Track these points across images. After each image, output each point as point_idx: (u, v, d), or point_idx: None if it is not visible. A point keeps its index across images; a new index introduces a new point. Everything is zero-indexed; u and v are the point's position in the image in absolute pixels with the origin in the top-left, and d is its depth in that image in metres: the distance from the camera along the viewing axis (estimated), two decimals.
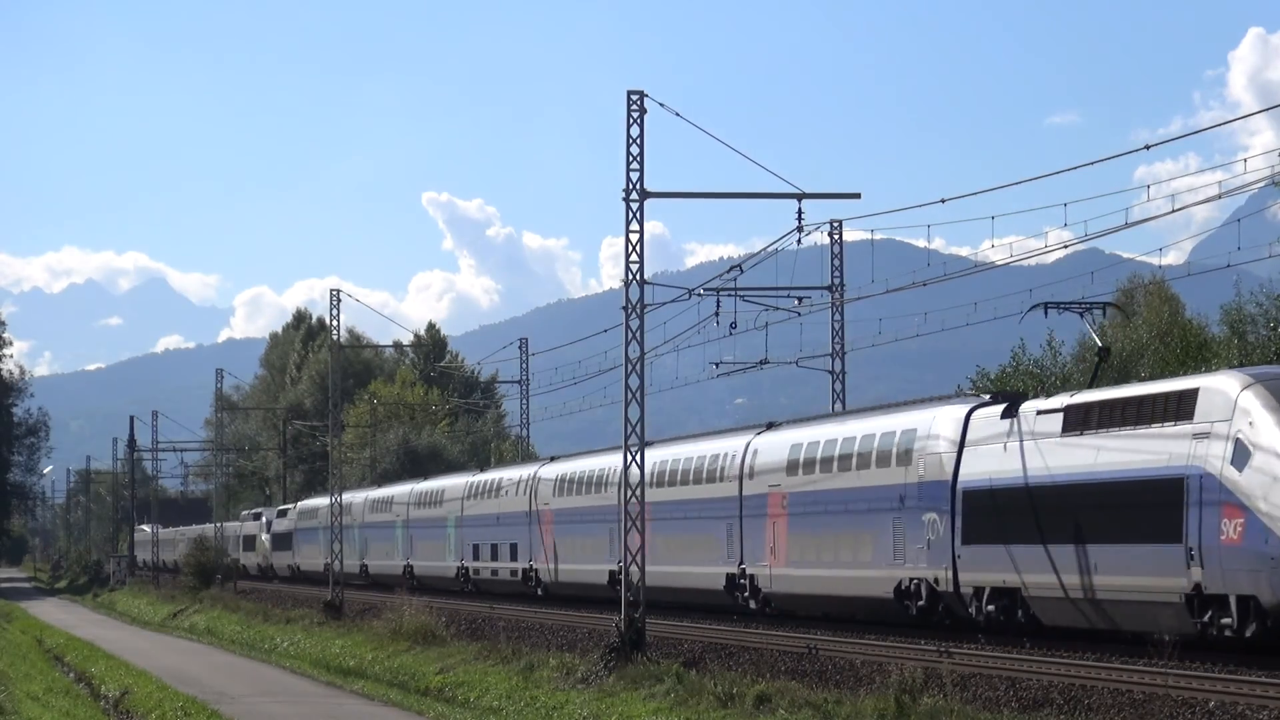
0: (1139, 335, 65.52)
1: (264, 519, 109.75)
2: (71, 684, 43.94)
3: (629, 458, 38.93)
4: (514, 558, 63.66)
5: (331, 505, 74.12)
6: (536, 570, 61.50)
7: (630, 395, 38.82)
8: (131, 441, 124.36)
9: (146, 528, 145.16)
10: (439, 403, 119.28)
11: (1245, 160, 34.04)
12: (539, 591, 61.27)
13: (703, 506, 48.90)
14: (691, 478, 49.98)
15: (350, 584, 79.36)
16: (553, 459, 63.74)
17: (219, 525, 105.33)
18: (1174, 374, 56.17)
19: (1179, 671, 28.46)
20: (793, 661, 33.65)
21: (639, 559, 38.59)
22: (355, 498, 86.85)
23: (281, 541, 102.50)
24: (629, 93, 37.95)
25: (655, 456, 51.01)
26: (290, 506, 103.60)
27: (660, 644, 38.41)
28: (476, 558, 68.10)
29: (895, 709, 26.28)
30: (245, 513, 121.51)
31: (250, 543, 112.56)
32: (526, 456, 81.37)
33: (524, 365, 79.75)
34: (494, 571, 66.24)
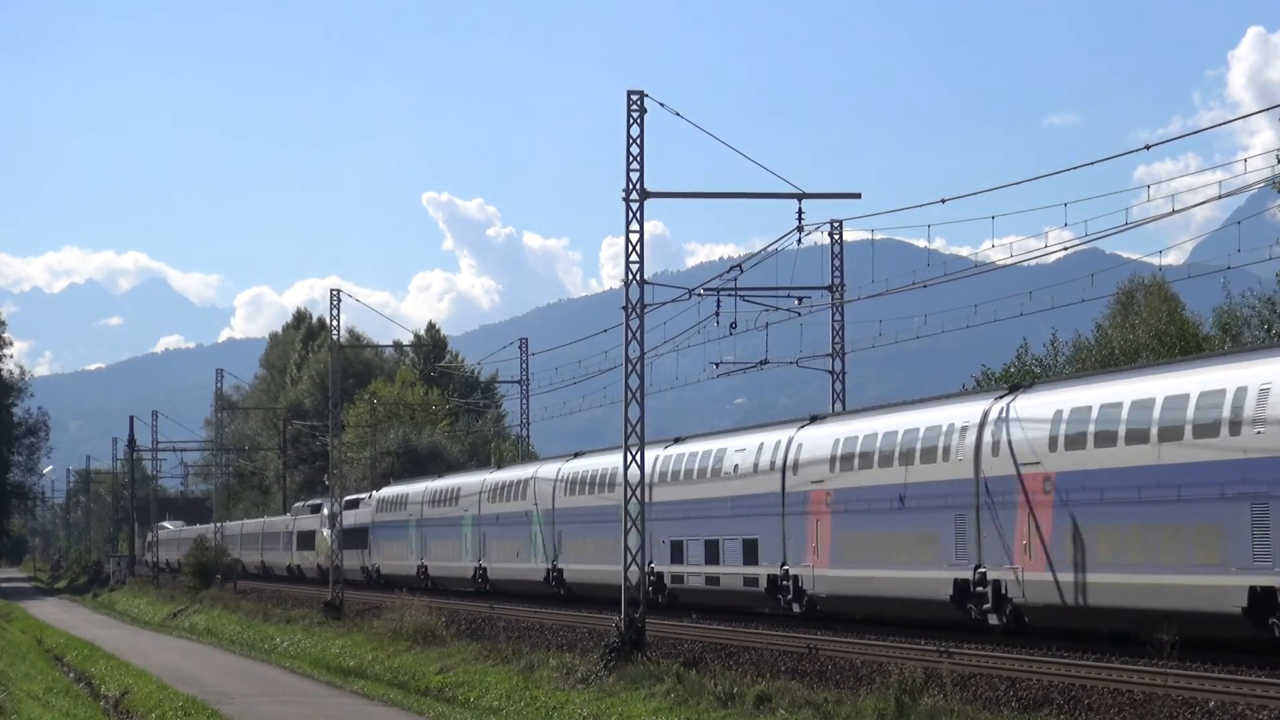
0: (1136, 335, 65.54)
1: (326, 511, 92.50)
2: (71, 684, 43.96)
3: (629, 457, 38.97)
4: (751, 559, 47.70)
5: (331, 507, 73.96)
6: (798, 577, 45.38)
7: (630, 395, 38.85)
8: (131, 441, 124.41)
9: (169, 525, 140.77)
10: (439, 403, 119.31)
11: (1245, 160, 34.05)
12: (795, 608, 45.58)
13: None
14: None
15: (461, 593, 67.42)
16: (814, 419, 47.75)
17: (219, 525, 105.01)
18: None
19: (1179, 671, 28.47)
20: (793, 661, 33.68)
21: (638, 559, 38.65)
22: (465, 481, 73.61)
23: (355, 538, 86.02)
24: (629, 93, 38.00)
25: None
26: (364, 496, 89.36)
27: (660, 644, 38.43)
28: (681, 559, 52.09)
29: (895, 709, 26.29)
30: (299, 505, 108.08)
31: (307, 540, 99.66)
32: (526, 457, 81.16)
33: (524, 365, 79.81)
34: (714, 579, 50.15)
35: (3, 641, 59.66)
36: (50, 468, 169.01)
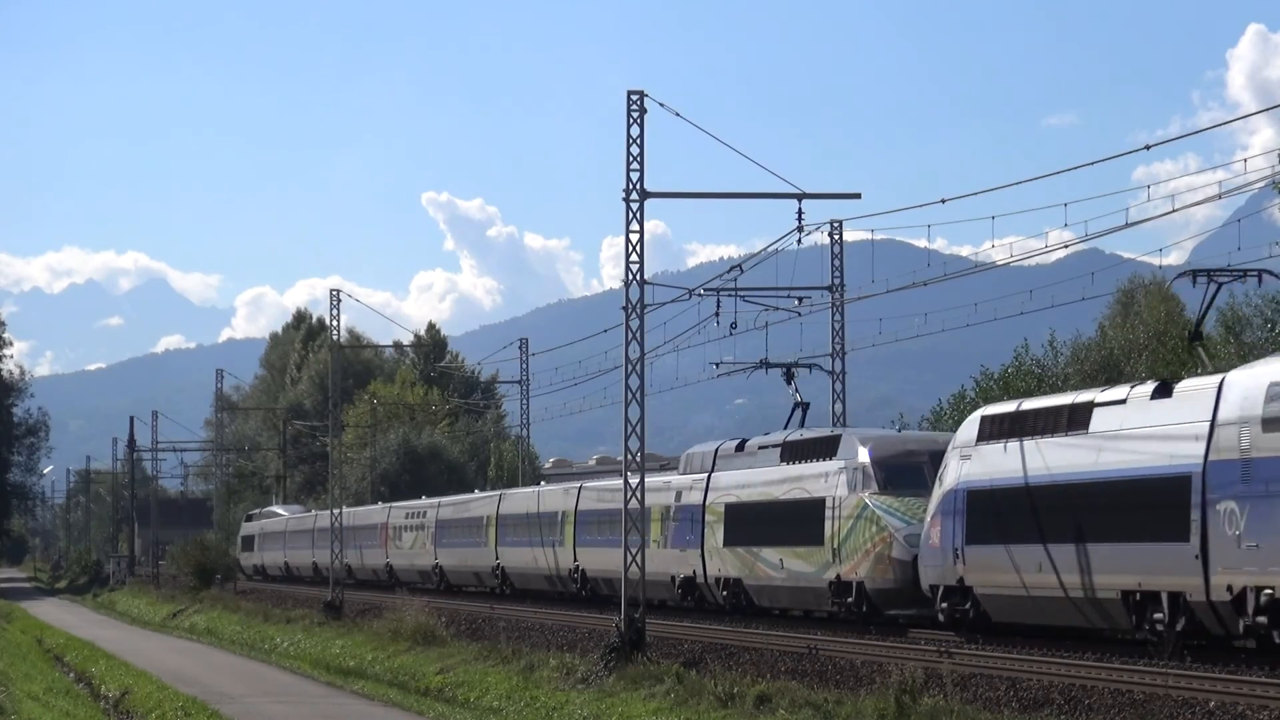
0: (1136, 335, 65.55)
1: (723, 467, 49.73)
2: (71, 684, 43.94)
3: (629, 458, 38.98)
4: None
5: (331, 510, 73.87)
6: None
7: (630, 395, 38.86)
8: (131, 441, 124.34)
9: (282, 510, 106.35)
10: (439, 403, 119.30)
11: (1245, 160, 34.09)
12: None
13: None
14: None
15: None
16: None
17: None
18: (1173, 373, 56.13)
19: (1179, 671, 28.46)
20: (793, 661, 33.68)
21: (639, 559, 38.65)
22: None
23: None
24: (629, 93, 38.06)
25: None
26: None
27: (660, 644, 38.43)
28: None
29: (895, 709, 26.30)
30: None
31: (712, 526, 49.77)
32: (527, 457, 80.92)
33: (524, 365, 79.78)
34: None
35: (3, 641, 59.62)
36: (50, 468, 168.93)
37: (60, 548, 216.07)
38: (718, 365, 57.49)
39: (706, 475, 49.91)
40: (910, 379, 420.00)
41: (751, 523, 47.14)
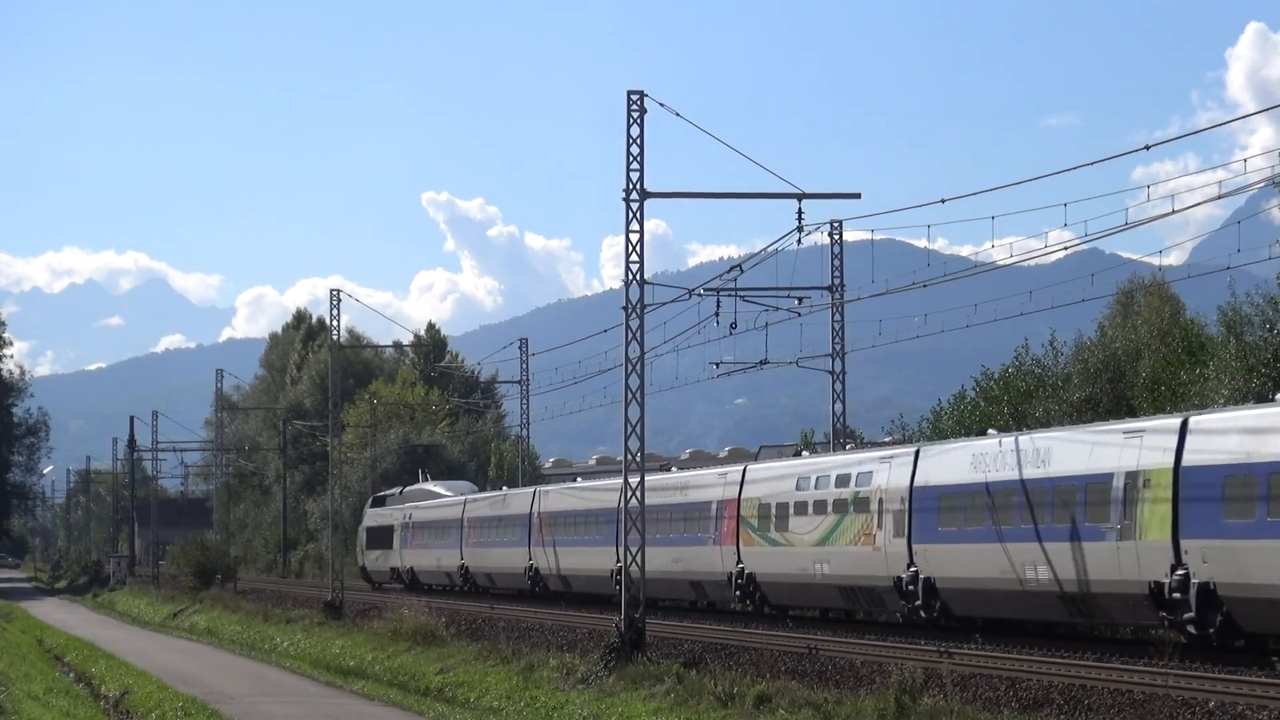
0: (1139, 334, 65.53)
1: None
2: (72, 684, 43.93)
3: (629, 458, 38.95)
4: None
5: (331, 509, 73.69)
6: None
7: (630, 395, 38.85)
8: (131, 441, 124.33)
9: (442, 489, 79.13)
10: (439, 403, 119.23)
11: (1245, 160, 34.06)
12: None
13: None
14: None
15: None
16: None
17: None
18: (1174, 373, 56.21)
19: (1179, 671, 28.48)
20: (793, 661, 33.70)
21: (639, 559, 38.64)
22: None
23: None
24: (629, 93, 38.06)
25: None
26: None
27: (660, 644, 38.43)
28: None
29: (895, 709, 26.29)
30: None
31: None
32: (527, 457, 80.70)
33: (524, 365, 79.71)
34: None
35: (3, 641, 59.62)
36: (50, 468, 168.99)
37: (60, 548, 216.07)
38: (718, 365, 57.50)
39: None
40: (910, 379, 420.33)
41: None
